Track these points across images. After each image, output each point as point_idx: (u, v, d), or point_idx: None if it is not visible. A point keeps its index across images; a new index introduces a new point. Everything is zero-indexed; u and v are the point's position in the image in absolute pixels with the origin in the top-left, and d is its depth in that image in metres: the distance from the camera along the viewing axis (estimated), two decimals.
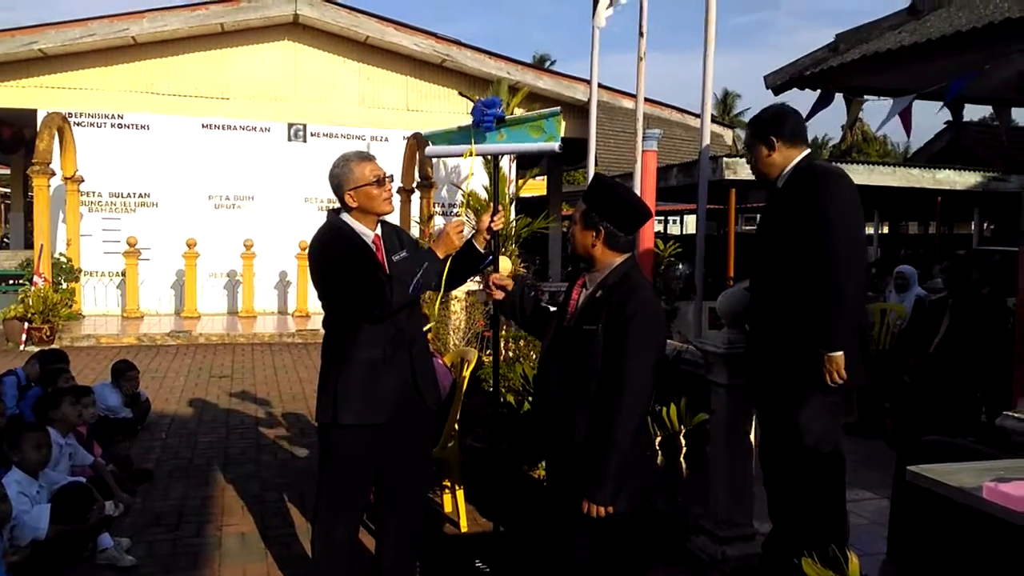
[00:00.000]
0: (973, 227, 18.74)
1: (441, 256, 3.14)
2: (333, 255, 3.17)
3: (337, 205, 3.29)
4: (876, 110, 11.25)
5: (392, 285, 3.04)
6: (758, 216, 3.84)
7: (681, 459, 4.16)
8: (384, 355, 3.15)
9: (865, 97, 8.13)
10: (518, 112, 3.37)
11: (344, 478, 3.23)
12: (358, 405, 3.13)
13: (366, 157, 3.23)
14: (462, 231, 3.18)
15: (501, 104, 3.31)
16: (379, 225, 3.30)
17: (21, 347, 10.27)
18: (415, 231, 12.57)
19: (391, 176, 3.28)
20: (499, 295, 3.14)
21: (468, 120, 3.35)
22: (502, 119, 3.26)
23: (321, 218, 3.39)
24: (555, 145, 3.21)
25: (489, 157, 3.47)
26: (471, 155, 3.29)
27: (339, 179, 3.20)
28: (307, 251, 3.30)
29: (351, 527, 3.36)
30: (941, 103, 8.02)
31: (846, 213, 3.07)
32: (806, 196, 3.15)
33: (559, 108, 3.20)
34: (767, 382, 3.35)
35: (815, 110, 7.62)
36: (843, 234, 3.04)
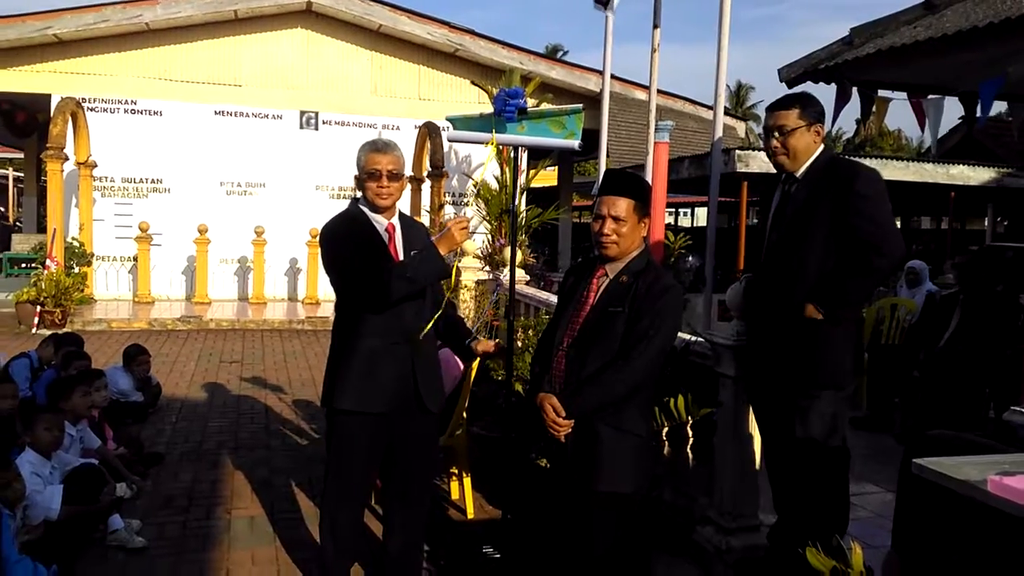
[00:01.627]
0: (986, 223, 18.62)
1: (444, 253, 3.11)
2: (338, 241, 3.20)
3: (349, 195, 3.32)
4: (891, 105, 11.12)
5: (392, 276, 3.05)
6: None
7: (688, 450, 4.17)
8: (382, 344, 3.16)
9: (883, 94, 8.09)
10: (529, 102, 3.35)
11: (345, 464, 3.27)
12: (354, 392, 3.17)
13: (377, 148, 3.21)
14: (466, 228, 3.16)
15: (524, 95, 3.31)
16: (397, 216, 3.30)
17: (33, 330, 10.36)
18: (424, 220, 12.62)
19: (394, 174, 3.20)
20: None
21: (484, 109, 3.36)
22: (524, 110, 3.26)
23: (331, 206, 3.42)
24: (575, 143, 3.20)
25: (507, 158, 3.47)
26: (493, 144, 3.29)
27: (356, 161, 3.25)
28: (320, 235, 3.32)
29: (354, 512, 3.40)
30: (957, 98, 7.97)
31: (884, 203, 3.10)
32: (838, 189, 3.11)
33: (581, 106, 3.20)
34: (774, 375, 3.34)
35: (838, 108, 7.59)
36: (887, 221, 3.08)
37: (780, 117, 3.27)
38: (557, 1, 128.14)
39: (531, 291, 7.82)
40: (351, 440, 3.24)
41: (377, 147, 3.22)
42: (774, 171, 3.44)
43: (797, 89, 6.17)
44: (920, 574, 2.69)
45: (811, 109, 3.26)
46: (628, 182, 2.91)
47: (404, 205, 13.36)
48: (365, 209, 3.25)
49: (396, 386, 3.20)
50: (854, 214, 3.06)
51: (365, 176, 3.18)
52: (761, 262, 3.45)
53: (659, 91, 5.50)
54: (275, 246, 13.53)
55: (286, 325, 11.82)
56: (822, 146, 3.28)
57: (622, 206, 2.82)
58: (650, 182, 5.18)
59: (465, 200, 14.48)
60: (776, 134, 3.27)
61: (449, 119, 3.60)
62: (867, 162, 12.46)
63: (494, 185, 11.51)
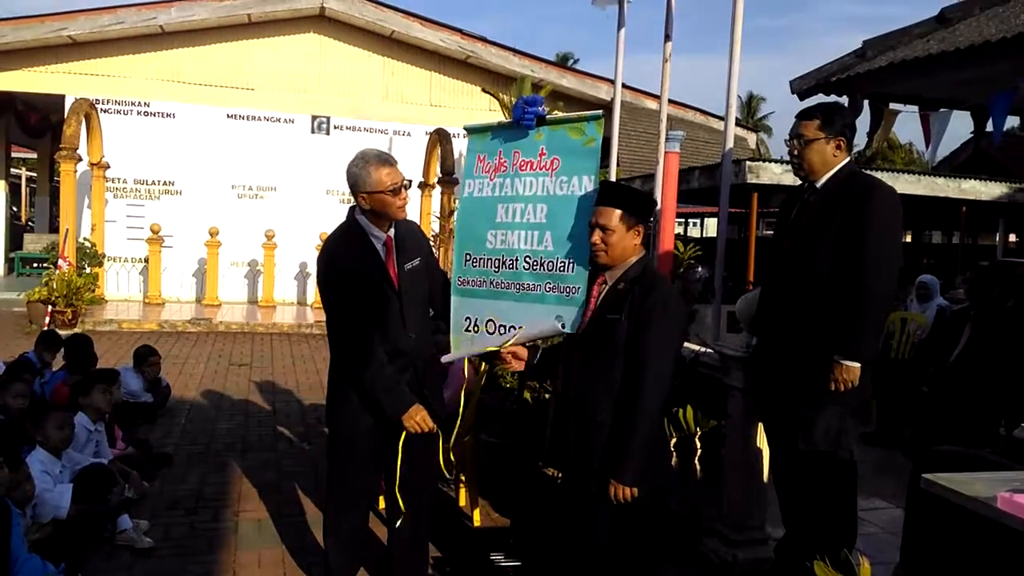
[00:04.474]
0: (997, 238, 18.54)
1: (400, 413, 3.10)
2: (337, 280, 3.16)
3: None
4: (901, 119, 11.27)
5: (371, 364, 3.06)
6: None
7: (696, 461, 4.17)
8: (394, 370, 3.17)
9: (892, 106, 8.09)
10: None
11: (346, 471, 3.29)
12: (355, 403, 3.18)
13: (385, 161, 3.14)
14: (425, 424, 3.12)
15: (543, 102, 3.30)
16: (394, 226, 3.26)
17: (44, 329, 10.39)
18: (435, 226, 12.63)
19: (408, 183, 3.21)
20: (518, 365, 3.18)
21: (496, 116, 3.36)
22: (543, 118, 3.25)
23: (342, 211, 3.40)
24: (577, 293, 3.06)
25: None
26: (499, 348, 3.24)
27: (355, 179, 3.16)
28: (318, 255, 3.30)
29: (357, 518, 3.41)
30: (968, 113, 7.96)
31: (886, 229, 3.06)
32: (851, 204, 3.10)
33: (601, 112, 3.17)
34: (780, 387, 3.34)
35: None
36: (880, 249, 3.02)
37: (801, 126, 3.28)
38: (567, 9, 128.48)
39: None
40: (352, 447, 3.26)
41: (385, 160, 3.15)
42: (784, 183, 3.46)
43: (812, 101, 6.16)
44: None
45: (834, 122, 3.24)
46: (618, 193, 2.95)
47: (414, 212, 13.40)
48: (363, 223, 3.21)
49: None
50: (860, 228, 3.06)
51: (389, 192, 3.10)
52: (774, 272, 3.46)
53: (670, 101, 5.50)
54: (285, 250, 13.58)
55: (295, 329, 11.84)
56: (846, 159, 3.25)
57: (609, 216, 2.87)
58: (660, 192, 5.19)
59: None
60: (795, 142, 3.29)
61: (467, 128, 3.60)
62: (878, 175, 12.45)
63: None
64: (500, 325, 3.23)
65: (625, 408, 2.74)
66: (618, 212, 2.87)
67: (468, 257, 3.40)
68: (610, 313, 2.84)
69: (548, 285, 3.11)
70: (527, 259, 3.19)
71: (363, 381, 3.10)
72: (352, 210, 3.27)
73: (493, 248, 3.31)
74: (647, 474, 2.75)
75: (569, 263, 3.06)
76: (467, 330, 3.33)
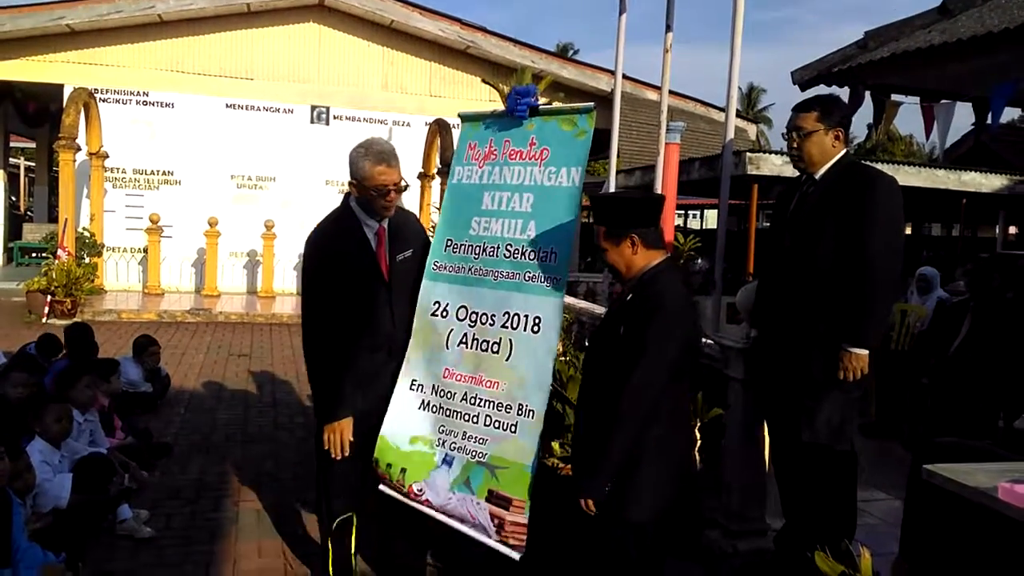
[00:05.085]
0: (998, 230, 18.53)
1: (327, 421, 3.13)
2: (321, 268, 3.17)
3: None
4: (901, 110, 11.31)
5: (332, 363, 3.10)
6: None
7: (695, 453, 4.17)
8: (372, 364, 3.19)
9: (894, 98, 8.07)
10: (540, 101, 3.34)
11: (333, 462, 3.28)
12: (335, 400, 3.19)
13: (385, 160, 3.09)
14: (337, 444, 3.14)
15: (536, 93, 3.29)
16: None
17: (44, 319, 10.40)
18: (434, 217, 12.61)
19: (406, 186, 3.19)
20: None
21: (496, 106, 3.35)
22: (536, 108, 3.25)
23: (341, 201, 3.39)
24: (559, 283, 3.04)
25: None
26: None
27: (352, 164, 3.15)
28: (307, 237, 3.27)
29: (350, 505, 3.41)
30: (970, 104, 7.95)
31: (892, 218, 3.08)
32: (852, 194, 3.10)
33: (593, 104, 3.16)
34: (782, 377, 3.34)
35: (850, 112, 7.61)
36: (886, 238, 3.04)
37: (799, 119, 3.29)
38: (567, 0, 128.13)
39: None
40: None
41: (384, 158, 3.09)
42: (785, 175, 3.47)
43: (812, 92, 6.14)
44: None
45: (832, 113, 3.25)
46: (596, 209, 2.89)
47: (413, 203, 13.39)
48: (357, 211, 3.19)
49: (376, 387, 3.22)
50: (863, 218, 3.06)
51: (373, 192, 3.09)
52: (773, 263, 3.46)
53: (671, 92, 5.48)
54: (284, 240, 13.56)
55: (294, 319, 11.82)
56: (844, 150, 3.27)
57: (599, 236, 2.84)
58: (660, 183, 5.18)
59: None
60: (794, 135, 3.29)
61: (461, 115, 3.60)
62: (879, 166, 12.42)
63: None
64: (472, 312, 3.21)
65: (593, 423, 2.69)
66: (601, 230, 2.83)
67: (449, 243, 3.37)
68: (613, 322, 2.82)
69: (528, 274, 3.08)
70: (508, 247, 3.16)
71: (320, 369, 3.14)
72: (347, 195, 3.25)
73: (476, 235, 3.28)
74: (603, 486, 2.63)
75: (552, 253, 3.04)
76: (434, 314, 3.30)
